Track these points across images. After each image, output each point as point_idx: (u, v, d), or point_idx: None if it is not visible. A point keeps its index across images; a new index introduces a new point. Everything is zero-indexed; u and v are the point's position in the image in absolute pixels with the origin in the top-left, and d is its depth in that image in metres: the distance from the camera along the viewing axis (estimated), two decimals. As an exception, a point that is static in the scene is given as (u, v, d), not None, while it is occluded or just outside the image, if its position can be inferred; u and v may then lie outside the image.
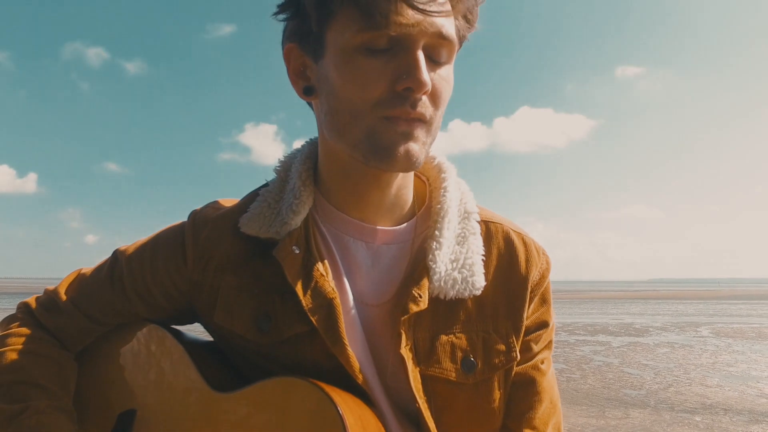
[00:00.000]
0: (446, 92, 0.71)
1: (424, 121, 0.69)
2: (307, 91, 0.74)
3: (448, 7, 0.68)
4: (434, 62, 0.69)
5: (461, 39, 0.73)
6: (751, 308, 33.14)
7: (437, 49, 0.68)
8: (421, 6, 0.64)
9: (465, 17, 0.71)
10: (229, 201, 0.86)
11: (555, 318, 0.87)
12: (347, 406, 0.66)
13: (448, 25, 0.68)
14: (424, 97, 0.67)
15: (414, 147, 0.68)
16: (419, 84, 0.64)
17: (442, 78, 0.70)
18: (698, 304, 38.47)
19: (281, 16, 0.74)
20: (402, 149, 0.67)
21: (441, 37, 0.67)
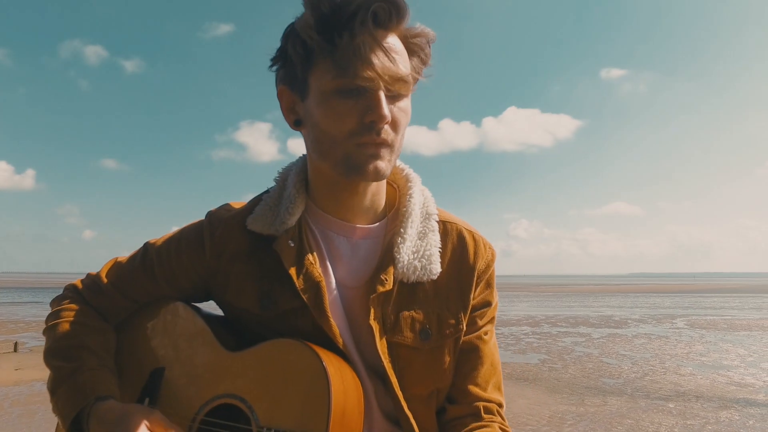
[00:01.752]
0: (404, 120, 0.89)
1: (387, 145, 0.86)
2: (296, 123, 0.93)
3: (405, 56, 0.86)
4: (393, 97, 0.86)
5: (416, 77, 0.90)
6: (723, 301, 33.65)
7: (396, 84, 0.85)
8: (380, 65, 0.81)
9: (420, 59, 0.89)
10: (237, 204, 1.04)
11: (498, 298, 1.04)
12: (330, 360, 0.83)
13: (404, 69, 0.85)
14: (386, 126, 0.85)
15: (381, 164, 0.86)
16: (381, 117, 0.82)
17: (401, 110, 0.87)
18: (674, 297, 39.00)
19: (274, 67, 0.92)
20: (371, 167, 0.85)
21: (398, 79, 0.84)
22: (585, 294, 43.96)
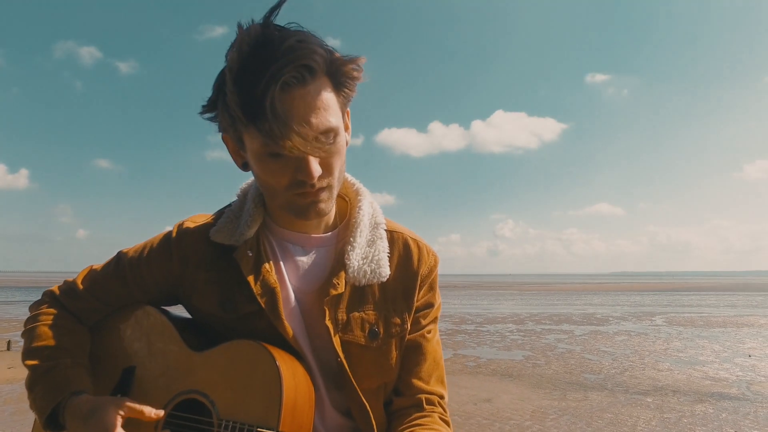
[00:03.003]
0: (338, 161, 0.92)
1: (325, 189, 0.92)
2: (244, 167, 0.98)
3: (331, 101, 0.87)
4: (324, 144, 0.89)
5: (346, 103, 0.94)
6: (700, 299, 34.06)
7: (324, 137, 0.88)
8: (303, 132, 0.83)
9: (348, 87, 0.92)
10: (203, 216, 1.11)
11: (441, 299, 1.11)
12: (283, 359, 0.91)
13: (330, 122, 0.87)
14: (320, 176, 0.89)
15: (321, 206, 0.92)
16: (310, 177, 0.87)
17: (333, 153, 0.90)
18: (654, 295, 39.40)
19: (206, 116, 0.94)
20: (313, 211, 0.92)
21: (324, 129, 0.87)
22: (568, 292, 44.28)
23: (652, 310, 24.19)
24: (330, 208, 0.94)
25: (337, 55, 0.88)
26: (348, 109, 0.97)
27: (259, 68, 0.82)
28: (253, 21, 0.85)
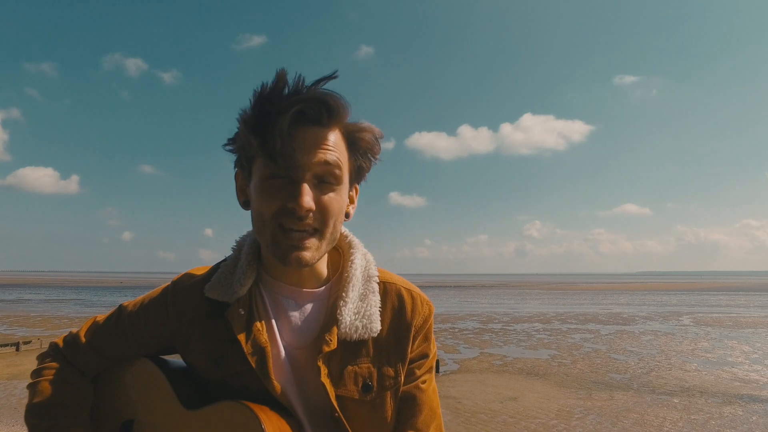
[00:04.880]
0: (334, 208, 0.90)
1: (312, 233, 0.89)
2: (245, 205, 0.97)
3: (341, 148, 0.89)
4: (323, 185, 0.89)
5: (355, 168, 0.94)
6: (729, 299, 32.81)
7: (325, 174, 0.88)
8: (304, 158, 0.85)
9: (360, 153, 0.93)
10: (201, 269, 1.09)
11: (436, 348, 1.09)
12: (270, 420, 0.90)
13: (332, 160, 0.87)
14: (313, 213, 0.87)
15: (305, 254, 0.88)
16: (300, 207, 0.84)
17: (330, 198, 0.89)
18: (681, 295, 38.11)
19: (228, 148, 0.96)
20: (293, 257, 0.88)
21: (326, 164, 0.87)
22: (594, 292, 43.27)
23: (679, 310, 23.44)
24: (315, 259, 0.90)
25: (361, 123, 0.91)
26: (357, 185, 0.98)
27: (282, 100, 0.84)
28: (301, 76, 0.88)
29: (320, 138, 0.87)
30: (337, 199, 0.91)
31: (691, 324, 17.72)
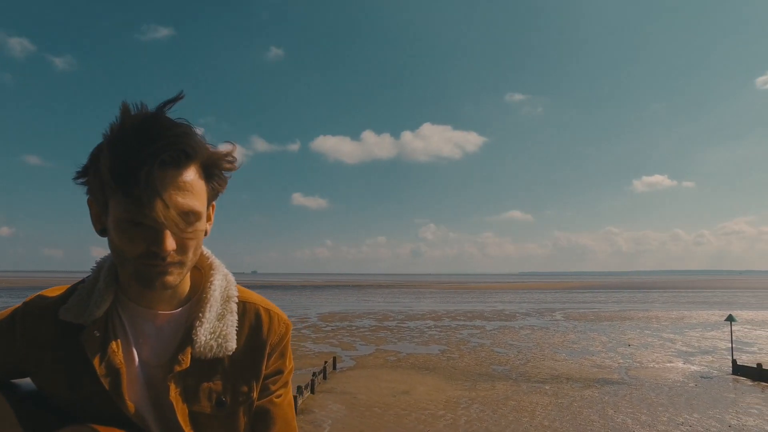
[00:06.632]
0: (194, 242, 0.92)
1: (176, 263, 0.90)
2: (102, 232, 0.95)
3: (199, 187, 0.90)
4: (183, 220, 0.89)
5: (214, 194, 0.95)
6: (593, 296, 36.69)
7: (186, 215, 0.88)
8: (166, 208, 0.84)
9: (218, 179, 0.93)
10: (54, 290, 1.07)
11: (294, 362, 1.12)
12: None
13: (193, 204, 0.88)
14: (174, 251, 0.89)
15: (169, 278, 0.90)
16: (163, 251, 0.86)
17: (190, 233, 0.90)
18: (555, 293, 41.86)
19: (79, 181, 0.93)
20: (158, 282, 0.89)
21: (187, 206, 0.88)
22: (482, 291, 45.94)
23: (553, 307, 25.66)
24: (177, 282, 0.92)
25: (214, 149, 0.91)
26: (214, 203, 0.99)
27: (139, 142, 0.83)
28: (143, 104, 0.87)
29: (180, 180, 0.87)
30: (196, 236, 0.92)
31: (562, 319, 19.49)
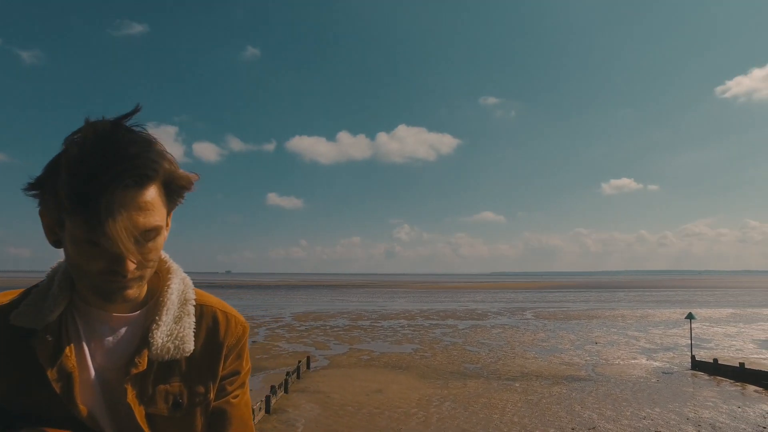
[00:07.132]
0: (154, 256, 0.92)
1: (136, 278, 0.90)
2: (56, 244, 0.94)
3: (158, 204, 0.89)
4: (144, 239, 0.89)
5: (171, 206, 0.94)
6: (562, 296, 37.52)
7: (146, 233, 0.88)
8: (126, 231, 0.84)
9: (177, 195, 0.93)
10: (7, 294, 1.04)
11: (251, 363, 1.12)
12: None
13: (154, 221, 0.88)
14: (134, 268, 0.89)
15: (129, 292, 0.90)
16: (125, 271, 0.86)
17: (150, 249, 0.90)
18: (526, 293, 42.62)
19: (31, 193, 0.90)
20: (119, 297, 0.89)
21: (148, 224, 0.88)
22: (455, 290, 46.36)
23: (524, 306, 26.12)
24: (138, 294, 0.93)
25: (175, 168, 0.91)
26: (171, 212, 0.99)
27: (100, 165, 0.82)
28: (104, 118, 0.86)
29: (140, 201, 0.86)
30: (157, 249, 0.92)
31: (533, 318, 19.85)
